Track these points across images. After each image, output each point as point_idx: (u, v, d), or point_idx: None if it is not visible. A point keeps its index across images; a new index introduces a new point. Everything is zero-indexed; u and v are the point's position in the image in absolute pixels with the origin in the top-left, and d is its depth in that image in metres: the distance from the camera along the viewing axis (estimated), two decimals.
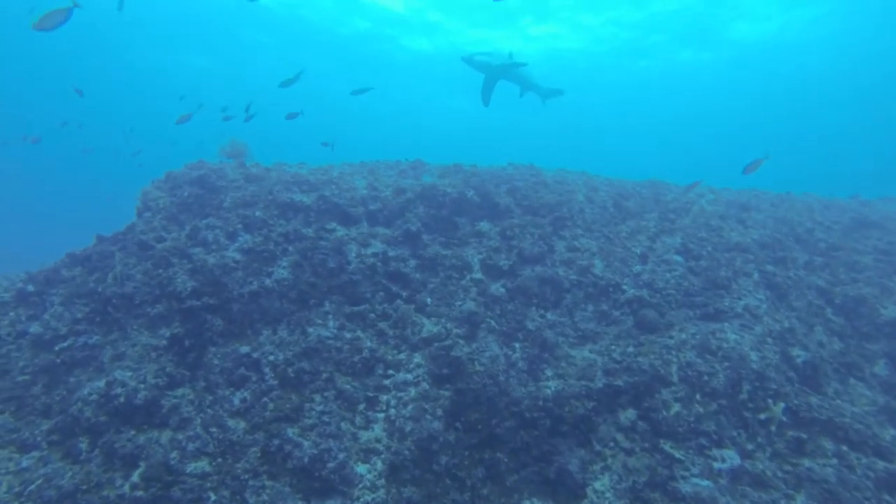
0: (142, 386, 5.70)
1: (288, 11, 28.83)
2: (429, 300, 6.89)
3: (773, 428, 5.23)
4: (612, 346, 6.86)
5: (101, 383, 5.71)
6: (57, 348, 6.15)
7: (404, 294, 6.82)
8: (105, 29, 29.76)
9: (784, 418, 5.27)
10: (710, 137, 50.01)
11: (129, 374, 5.79)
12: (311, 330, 6.20)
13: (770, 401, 5.43)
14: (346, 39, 31.15)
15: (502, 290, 7.08)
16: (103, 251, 6.64)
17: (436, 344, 6.43)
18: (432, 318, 6.76)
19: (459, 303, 6.90)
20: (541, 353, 6.79)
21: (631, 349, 6.77)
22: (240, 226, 6.42)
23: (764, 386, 5.62)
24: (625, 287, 7.42)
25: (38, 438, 5.63)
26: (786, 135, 46.24)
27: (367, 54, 33.40)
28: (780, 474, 4.77)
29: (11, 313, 6.64)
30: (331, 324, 6.31)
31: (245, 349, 6.06)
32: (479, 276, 7.19)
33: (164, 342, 6.00)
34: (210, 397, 5.91)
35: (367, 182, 7.54)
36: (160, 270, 6.27)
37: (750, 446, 5.19)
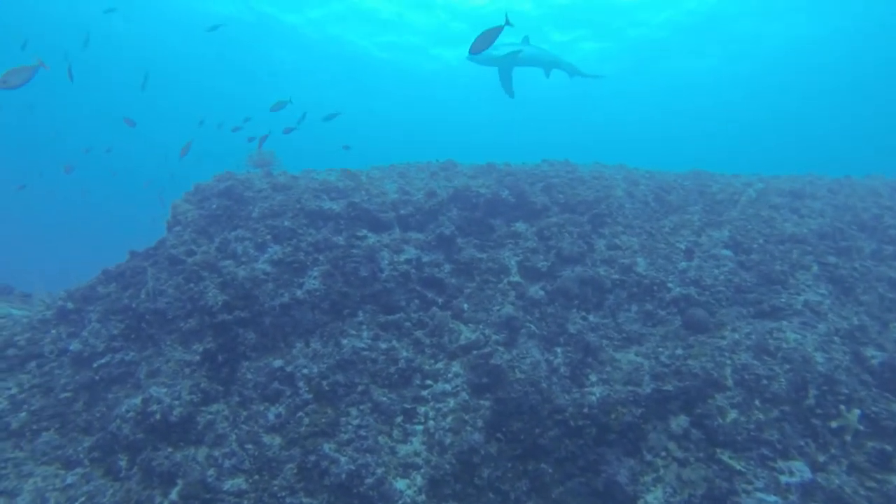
0: (176, 402, 5.67)
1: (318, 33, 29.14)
2: (465, 306, 6.67)
3: (848, 438, 4.81)
4: (660, 349, 6.49)
5: (138, 400, 5.71)
6: (95, 365, 6.19)
7: (440, 300, 6.62)
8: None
9: (861, 427, 4.83)
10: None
11: (164, 390, 5.76)
12: (344, 341, 6.06)
13: (842, 407, 5.00)
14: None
15: (541, 292, 6.79)
16: (136, 267, 6.66)
17: (474, 352, 6.20)
18: (470, 325, 6.54)
19: (497, 307, 6.65)
20: (584, 357, 6.49)
21: (680, 351, 6.39)
22: (269, 237, 6.34)
23: (834, 390, 5.18)
24: (670, 285, 7.03)
25: (81, 455, 5.68)
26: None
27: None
28: (862, 491, 4.35)
29: (53, 331, 6.73)
30: (365, 334, 6.15)
31: (278, 363, 5.97)
32: (516, 278, 6.93)
33: (198, 357, 5.95)
34: (244, 413, 5.83)
35: (397, 186, 7.37)
36: (191, 285, 6.24)
37: (822, 458, 4.78)
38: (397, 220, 6.95)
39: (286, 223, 6.42)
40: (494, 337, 6.32)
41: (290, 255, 6.25)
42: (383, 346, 6.12)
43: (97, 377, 6.13)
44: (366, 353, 6.02)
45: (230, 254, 6.42)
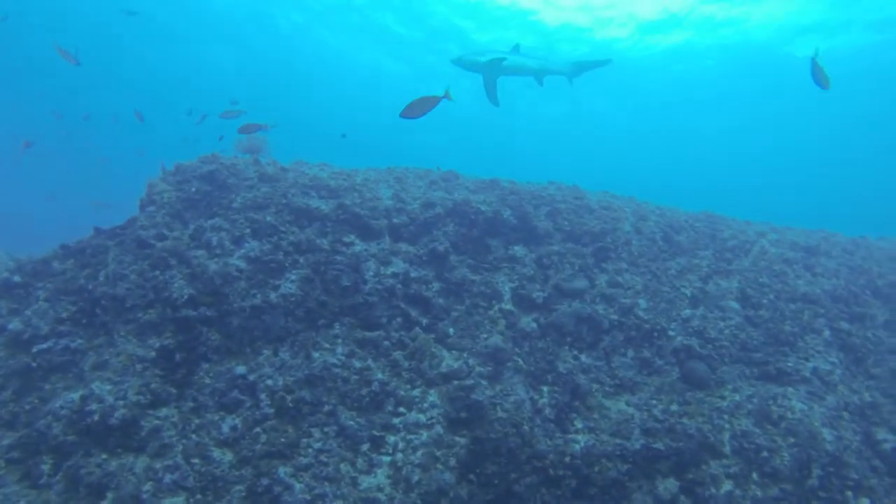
0: (121, 403, 5.14)
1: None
2: (451, 330, 6.21)
3: None
4: (653, 401, 6.08)
5: (77, 396, 5.17)
6: (35, 350, 5.62)
7: (424, 321, 6.15)
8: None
9: None
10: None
11: (109, 387, 5.23)
12: (316, 355, 5.57)
13: (849, 493, 4.59)
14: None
15: (534, 325, 6.36)
16: (98, 245, 6.12)
17: (455, 382, 5.74)
18: (453, 352, 6.08)
19: (485, 336, 6.20)
20: (571, 400, 6.06)
21: (675, 407, 5.98)
22: (248, 230, 5.84)
23: (840, 473, 4.78)
24: (671, 333, 6.63)
25: None
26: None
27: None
28: None
29: None
30: (339, 349, 5.67)
31: (241, 369, 5.46)
32: (509, 306, 6.48)
33: (153, 353, 5.43)
34: (197, 421, 5.31)
35: (392, 192, 6.91)
36: (157, 272, 5.72)
37: None
38: (389, 229, 6.49)
39: (268, 218, 5.93)
40: (479, 368, 5.86)
41: (268, 254, 5.75)
42: (357, 364, 5.64)
43: (34, 364, 5.56)
44: (337, 370, 5.53)
45: (204, 244, 5.91)
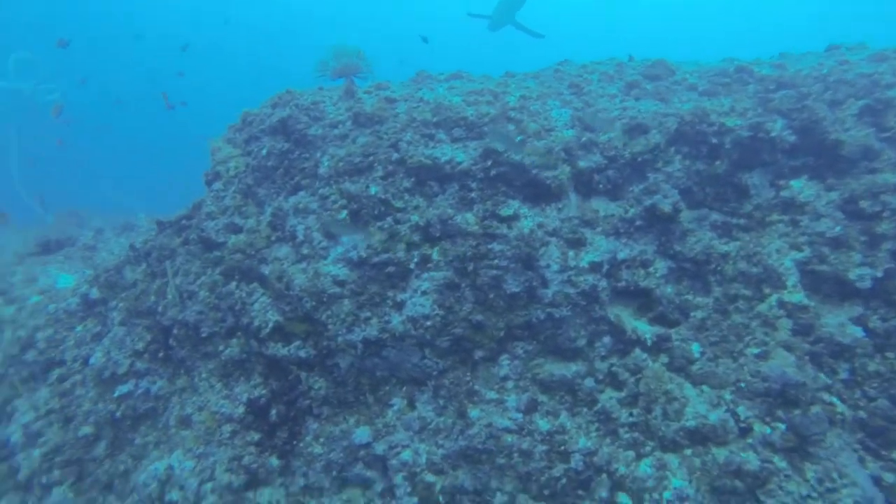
0: (207, 489, 3.54)
1: None
2: (695, 348, 3.63)
3: None
4: None
5: (161, 470, 3.68)
6: (117, 395, 4.29)
7: (647, 335, 3.63)
8: None
9: None
10: None
11: (191, 464, 3.65)
12: (475, 413, 3.42)
13: None
14: None
15: (859, 331, 3.52)
16: (164, 246, 4.46)
17: (713, 448, 3.28)
18: (703, 388, 3.53)
19: (757, 353, 3.53)
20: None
21: None
22: (344, 213, 3.68)
23: None
24: None
25: None
26: None
27: None
28: None
29: (78, 327, 4.97)
30: (511, 399, 3.47)
31: (363, 435, 3.55)
32: (795, 297, 3.66)
33: (241, 409, 3.72)
34: None
35: (571, 113, 4.21)
36: (232, 287, 3.89)
37: None
38: (574, 180, 3.89)
39: (373, 188, 3.70)
40: (757, 423, 3.28)
41: (380, 250, 3.56)
42: (543, 424, 3.39)
43: (119, 413, 4.23)
44: (512, 437, 3.35)
45: (287, 235, 3.91)
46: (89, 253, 7.05)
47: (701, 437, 3.43)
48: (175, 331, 4.10)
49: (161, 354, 4.28)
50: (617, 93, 4.56)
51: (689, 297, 3.87)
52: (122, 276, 4.78)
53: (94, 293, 4.91)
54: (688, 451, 3.40)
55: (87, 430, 4.35)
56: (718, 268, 3.87)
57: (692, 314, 3.80)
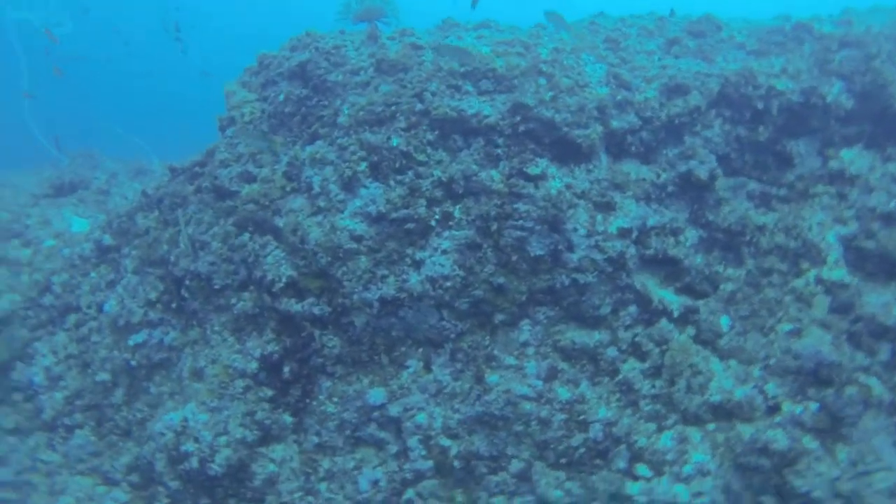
0: (222, 442, 3.53)
1: None
2: (724, 321, 3.50)
3: None
4: None
5: (176, 422, 3.67)
6: (131, 343, 4.25)
7: (674, 306, 3.48)
8: None
9: None
10: None
11: (205, 417, 3.63)
12: (493, 378, 3.33)
13: None
14: None
15: None
16: (177, 193, 4.34)
17: (738, 425, 3.18)
18: (730, 362, 3.41)
19: (790, 330, 3.39)
20: None
21: None
22: (364, 164, 3.51)
23: None
24: None
25: (119, 475, 4.20)
26: None
27: None
28: None
29: (93, 273, 4.93)
30: (531, 365, 3.37)
31: (378, 395, 3.50)
32: (838, 273, 3.48)
33: (254, 365, 3.66)
34: (324, 468, 3.56)
35: (606, 69, 3.94)
36: (245, 238, 3.79)
37: None
38: (605, 140, 3.67)
39: (395, 140, 3.51)
40: (786, 401, 3.17)
41: (399, 205, 3.41)
42: (563, 392, 3.31)
43: (134, 361, 4.22)
44: (530, 404, 3.26)
45: (303, 186, 3.76)
46: (102, 197, 6.96)
47: (725, 412, 3.33)
48: (187, 281, 4.02)
49: (174, 305, 4.21)
50: (656, 49, 4.26)
51: (720, 268, 3.70)
52: (134, 223, 4.69)
53: (107, 239, 4.83)
54: (711, 427, 3.30)
55: (104, 376, 4.36)
56: (753, 239, 3.68)
57: (722, 286, 3.64)
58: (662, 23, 4.53)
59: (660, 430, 3.33)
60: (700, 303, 3.61)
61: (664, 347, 3.43)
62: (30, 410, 4.69)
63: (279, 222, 3.74)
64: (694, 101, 3.73)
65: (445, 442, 3.38)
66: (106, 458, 4.30)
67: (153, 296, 4.31)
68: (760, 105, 3.74)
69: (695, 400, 3.34)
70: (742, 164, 3.81)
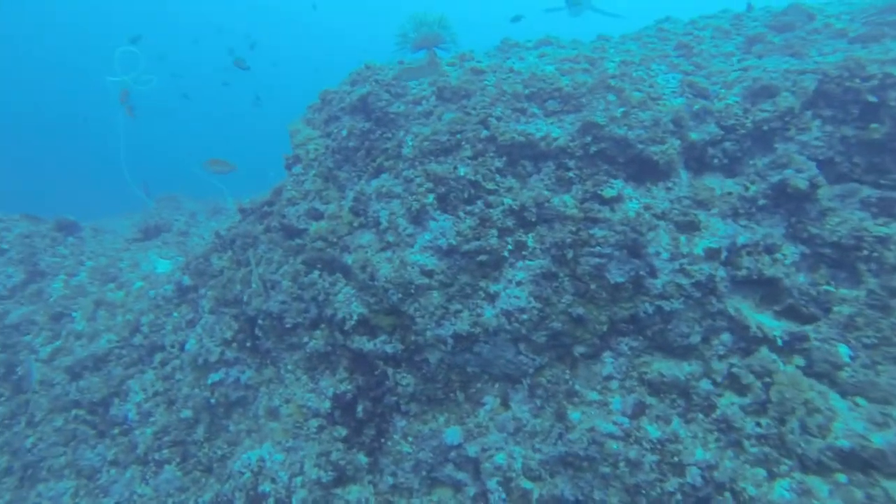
0: (298, 483, 3.49)
1: None
2: (845, 351, 3.09)
3: None
4: None
5: (254, 461, 3.68)
6: (210, 382, 4.35)
7: (777, 332, 3.12)
8: None
9: None
10: None
11: (281, 457, 3.62)
12: (575, 415, 3.09)
13: None
14: None
15: None
16: (247, 233, 4.43)
17: (880, 477, 2.75)
18: (859, 401, 2.99)
19: None
20: None
21: None
22: (431, 196, 3.42)
23: None
24: None
25: None
26: None
27: None
28: None
29: (175, 313, 5.14)
30: (616, 400, 3.10)
31: (454, 435, 3.34)
32: None
33: (328, 404, 3.62)
34: None
35: (680, 77, 3.67)
36: (315, 276, 3.77)
37: None
38: (684, 155, 3.39)
39: (462, 169, 3.40)
40: None
41: (470, 237, 3.28)
42: (653, 431, 3.01)
43: (213, 399, 4.31)
44: (618, 442, 3.00)
45: (370, 221, 3.72)
46: (183, 238, 7.35)
47: (861, 462, 2.88)
48: (260, 321, 4.07)
49: (248, 344, 4.28)
50: (735, 50, 3.94)
51: (830, 287, 3.28)
52: (209, 264, 4.85)
53: (186, 280, 5.03)
54: (841, 478, 2.87)
55: (187, 413, 4.50)
56: (874, 254, 3.24)
57: (835, 309, 3.22)
58: (739, 20, 4.19)
59: (772, 476, 2.95)
60: (808, 328, 3.21)
61: (767, 380, 3.05)
62: (126, 444, 4.93)
63: (348, 259, 3.71)
64: (784, 104, 3.38)
65: (527, 484, 3.17)
66: (191, 493, 4.42)
67: (228, 335, 4.41)
68: (872, 98, 3.32)
69: (814, 444, 2.93)
70: (850, 168, 3.39)
